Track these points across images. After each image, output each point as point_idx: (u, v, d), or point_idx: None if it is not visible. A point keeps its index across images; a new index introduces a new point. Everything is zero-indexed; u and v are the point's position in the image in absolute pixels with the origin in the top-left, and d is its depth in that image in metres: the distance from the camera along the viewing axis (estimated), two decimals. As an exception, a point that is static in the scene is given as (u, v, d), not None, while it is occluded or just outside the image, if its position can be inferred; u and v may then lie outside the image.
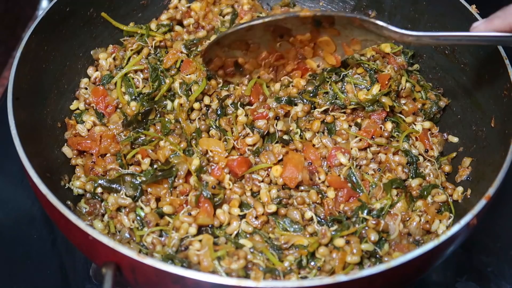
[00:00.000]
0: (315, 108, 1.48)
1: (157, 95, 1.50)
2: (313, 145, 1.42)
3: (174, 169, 1.33)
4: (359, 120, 1.47)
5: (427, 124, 1.51)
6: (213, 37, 1.53)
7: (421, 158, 1.45)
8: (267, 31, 1.38)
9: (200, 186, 1.29)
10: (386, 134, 1.44)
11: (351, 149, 1.41)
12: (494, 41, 1.01)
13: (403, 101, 1.51)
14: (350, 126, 1.47)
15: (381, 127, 1.44)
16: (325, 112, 1.47)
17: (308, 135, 1.44)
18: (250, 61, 1.46)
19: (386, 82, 1.45)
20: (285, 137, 1.44)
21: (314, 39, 1.40)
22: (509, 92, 1.31)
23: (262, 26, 1.36)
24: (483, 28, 0.97)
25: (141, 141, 1.42)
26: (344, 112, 1.48)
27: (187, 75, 1.53)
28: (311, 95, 1.47)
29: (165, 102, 1.49)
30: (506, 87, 1.32)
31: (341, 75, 1.49)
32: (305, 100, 1.47)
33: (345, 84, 1.49)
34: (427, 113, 1.53)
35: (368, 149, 1.42)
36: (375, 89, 1.45)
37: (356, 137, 1.42)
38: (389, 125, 1.46)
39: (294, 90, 1.50)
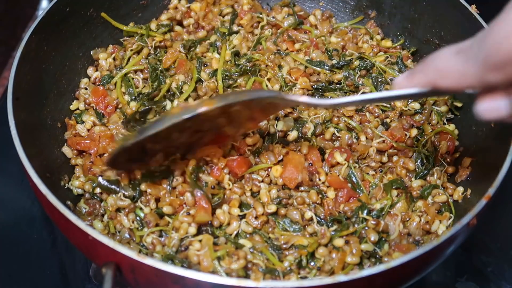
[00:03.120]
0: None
1: (157, 96, 1.50)
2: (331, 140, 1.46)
3: (171, 168, 1.33)
4: (388, 120, 1.48)
5: (452, 126, 1.51)
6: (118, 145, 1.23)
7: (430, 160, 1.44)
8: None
9: (193, 186, 1.28)
10: (409, 141, 1.44)
11: (370, 147, 1.42)
12: (415, 97, 0.99)
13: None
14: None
15: (406, 134, 1.45)
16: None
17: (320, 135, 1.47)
18: (160, 143, 1.23)
19: None
20: (289, 137, 1.44)
21: (226, 111, 1.18)
22: (509, 92, 1.31)
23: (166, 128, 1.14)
24: (404, 85, 0.94)
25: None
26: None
27: (176, 75, 1.54)
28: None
29: (164, 102, 1.49)
30: (506, 87, 1.32)
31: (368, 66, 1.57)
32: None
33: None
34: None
35: (385, 152, 1.43)
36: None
37: (381, 137, 1.43)
38: (414, 131, 1.46)
39: (300, 92, 1.51)
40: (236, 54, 1.61)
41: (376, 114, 1.50)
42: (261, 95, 1.16)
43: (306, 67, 1.59)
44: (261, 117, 1.24)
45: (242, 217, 1.31)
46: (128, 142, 1.17)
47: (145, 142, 1.19)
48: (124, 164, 1.28)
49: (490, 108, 0.85)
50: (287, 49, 1.66)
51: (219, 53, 1.62)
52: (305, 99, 1.15)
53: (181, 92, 1.50)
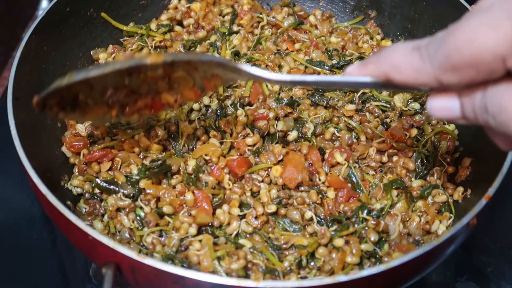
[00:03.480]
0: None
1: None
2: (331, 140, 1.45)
3: (167, 163, 1.33)
4: (388, 120, 1.48)
5: (452, 126, 1.50)
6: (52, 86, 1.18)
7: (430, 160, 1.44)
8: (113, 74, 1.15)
9: (185, 179, 1.29)
10: (409, 141, 1.44)
11: (370, 147, 1.42)
12: (368, 86, 0.97)
13: None
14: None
15: (406, 134, 1.45)
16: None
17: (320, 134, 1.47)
18: (94, 97, 1.22)
19: None
20: (289, 137, 1.44)
21: (168, 74, 1.19)
22: (509, 92, 1.31)
23: (104, 75, 1.13)
24: (356, 74, 0.91)
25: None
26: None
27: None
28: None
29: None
30: (506, 87, 1.32)
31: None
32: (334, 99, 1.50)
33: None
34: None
35: (385, 152, 1.43)
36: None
37: (381, 137, 1.43)
38: (414, 131, 1.46)
39: (300, 92, 1.51)
40: (236, 54, 1.61)
41: (376, 114, 1.50)
42: (212, 59, 1.14)
43: (306, 67, 1.59)
44: (202, 89, 1.21)
45: (242, 217, 1.31)
46: (62, 82, 1.14)
47: (79, 90, 1.18)
48: (53, 110, 1.22)
49: (441, 107, 0.84)
50: (287, 49, 1.66)
51: (219, 53, 1.63)
52: (255, 70, 1.08)
53: None
